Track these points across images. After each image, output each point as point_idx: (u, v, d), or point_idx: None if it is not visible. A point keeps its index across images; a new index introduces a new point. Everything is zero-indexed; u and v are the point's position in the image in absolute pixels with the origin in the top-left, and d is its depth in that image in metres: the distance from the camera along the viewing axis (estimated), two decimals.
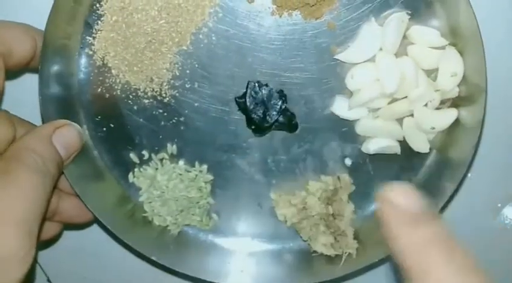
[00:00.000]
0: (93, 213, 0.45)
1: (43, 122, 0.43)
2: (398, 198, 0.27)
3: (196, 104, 0.46)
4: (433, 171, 0.46)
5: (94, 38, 0.43)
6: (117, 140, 0.47)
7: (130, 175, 0.48)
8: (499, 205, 0.50)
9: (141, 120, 0.46)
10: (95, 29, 0.43)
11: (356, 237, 0.47)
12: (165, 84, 0.45)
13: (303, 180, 0.48)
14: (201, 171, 0.48)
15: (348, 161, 0.47)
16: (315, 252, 0.47)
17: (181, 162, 0.48)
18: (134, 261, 0.50)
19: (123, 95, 0.46)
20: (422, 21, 0.43)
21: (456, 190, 0.44)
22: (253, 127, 0.45)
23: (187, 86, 0.45)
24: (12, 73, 0.45)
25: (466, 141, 0.43)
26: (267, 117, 0.45)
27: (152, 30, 0.42)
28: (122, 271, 0.52)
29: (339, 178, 0.47)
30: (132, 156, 0.47)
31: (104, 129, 0.47)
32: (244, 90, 0.44)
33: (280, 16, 0.43)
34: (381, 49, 0.43)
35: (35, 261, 0.35)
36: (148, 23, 0.41)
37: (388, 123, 0.44)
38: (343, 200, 0.47)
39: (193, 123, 0.46)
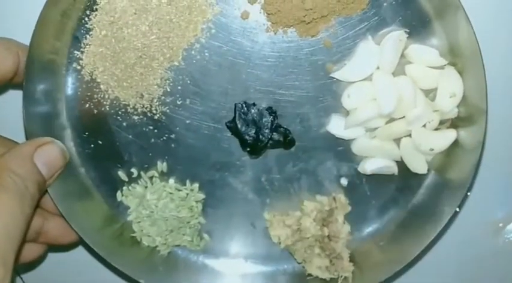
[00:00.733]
0: (78, 233, 0.43)
1: (27, 140, 0.42)
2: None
3: (187, 121, 0.45)
4: (432, 192, 0.45)
5: (82, 52, 0.42)
6: (106, 157, 0.45)
7: (119, 193, 0.46)
8: (500, 225, 0.50)
9: (130, 136, 0.45)
10: (83, 43, 0.42)
11: (352, 259, 0.46)
12: (155, 100, 0.44)
13: (298, 200, 0.46)
14: (192, 190, 0.46)
15: (344, 181, 0.46)
16: (309, 275, 0.46)
17: (171, 181, 0.46)
18: None
19: (112, 111, 0.44)
20: (420, 40, 0.42)
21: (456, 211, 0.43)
22: (248, 149, 0.44)
23: (178, 102, 0.44)
24: None
25: (466, 162, 0.42)
26: (260, 137, 0.44)
27: (143, 46, 0.40)
28: None
29: (334, 198, 0.46)
30: (121, 173, 0.46)
31: (92, 145, 0.45)
32: (234, 113, 0.43)
33: (275, 33, 0.42)
34: (378, 68, 0.42)
35: None
36: (138, 38, 0.40)
37: (385, 143, 0.43)
38: (339, 221, 0.46)
39: (184, 140, 0.45)
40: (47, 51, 0.41)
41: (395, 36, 0.41)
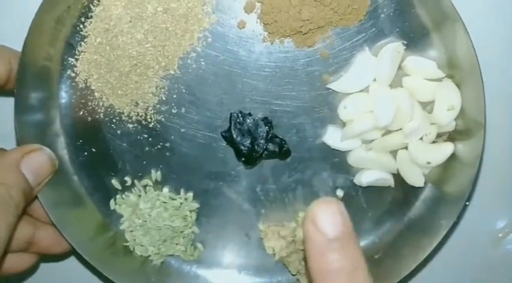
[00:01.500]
0: (70, 242, 0.42)
1: None
2: (321, 218, 0.26)
3: (182, 130, 0.44)
4: (429, 205, 0.44)
5: (77, 59, 0.42)
6: (99, 165, 0.45)
7: (112, 202, 0.46)
8: (500, 235, 0.49)
9: (124, 145, 0.45)
10: (78, 51, 0.42)
11: None
12: (150, 108, 0.43)
13: (293, 211, 0.46)
14: (186, 199, 0.46)
15: (340, 192, 0.45)
16: None
17: (165, 189, 0.46)
18: None
19: (106, 119, 0.44)
20: (418, 52, 0.41)
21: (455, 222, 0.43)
22: (243, 159, 0.44)
23: (173, 111, 0.44)
24: None
25: (464, 176, 0.41)
26: (256, 147, 0.43)
27: (138, 54, 0.40)
28: None
29: None
30: (114, 182, 0.45)
31: (85, 153, 0.45)
32: (229, 123, 0.43)
33: (272, 43, 0.41)
34: (374, 80, 0.42)
35: None
36: (133, 46, 0.40)
37: (381, 155, 0.43)
38: None
39: (179, 149, 0.44)
40: (40, 57, 0.41)
41: (392, 47, 0.41)
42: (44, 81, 0.42)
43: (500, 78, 0.44)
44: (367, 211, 0.46)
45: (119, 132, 0.44)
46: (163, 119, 0.44)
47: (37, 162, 0.38)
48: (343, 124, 0.43)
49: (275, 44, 0.41)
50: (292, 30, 0.39)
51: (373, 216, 0.46)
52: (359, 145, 0.43)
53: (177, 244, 0.46)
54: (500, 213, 0.49)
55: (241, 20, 0.41)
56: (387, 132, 0.42)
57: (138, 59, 0.40)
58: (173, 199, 0.46)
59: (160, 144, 0.44)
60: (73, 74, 0.42)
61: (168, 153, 0.45)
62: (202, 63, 0.42)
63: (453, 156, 0.42)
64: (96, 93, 0.43)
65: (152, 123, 0.44)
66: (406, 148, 0.42)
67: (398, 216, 0.45)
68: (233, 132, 0.43)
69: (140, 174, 0.45)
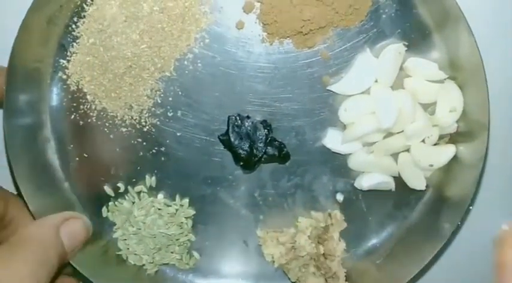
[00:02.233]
0: None
1: (7, 154, 0.40)
2: None
3: (178, 134, 0.43)
4: (431, 209, 0.44)
5: (68, 61, 0.40)
6: (91, 171, 0.43)
7: (104, 209, 0.44)
8: None
9: (117, 149, 0.43)
10: (70, 52, 0.40)
11: (348, 278, 0.44)
12: (145, 111, 0.42)
13: (292, 216, 0.45)
14: (182, 206, 0.44)
15: (340, 197, 0.45)
16: None
17: (160, 196, 0.44)
18: None
19: (99, 123, 0.42)
20: (420, 53, 0.41)
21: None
22: (241, 163, 0.43)
23: (169, 114, 0.42)
24: None
25: (466, 179, 0.41)
26: (254, 151, 0.42)
27: (133, 55, 0.39)
28: None
29: (330, 214, 0.45)
30: (107, 188, 0.44)
31: (77, 159, 0.43)
32: (227, 126, 0.42)
33: (271, 44, 0.41)
34: (376, 81, 0.41)
35: None
36: (128, 47, 0.38)
37: (382, 159, 0.42)
38: (335, 238, 0.44)
39: (175, 153, 0.43)
40: (30, 58, 0.39)
41: (394, 49, 0.40)
42: (34, 84, 0.41)
43: (503, 79, 0.44)
44: (368, 215, 0.45)
45: (111, 136, 0.43)
46: (158, 123, 0.42)
47: (74, 229, 0.40)
48: (344, 127, 0.42)
49: (274, 44, 0.41)
50: (293, 31, 0.38)
51: (373, 220, 0.45)
52: (360, 149, 0.42)
53: (172, 252, 0.45)
54: (504, 216, 0.48)
55: (240, 21, 0.40)
56: (389, 134, 0.41)
57: (133, 61, 0.39)
58: (168, 205, 0.44)
59: (155, 148, 0.43)
60: (64, 76, 0.41)
61: (163, 158, 0.43)
62: (199, 64, 0.41)
63: (455, 159, 0.41)
64: (88, 96, 0.41)
65: (147, 127, 0.42)
66: (407, 151, 0.42)
67: (399, 220, 0.45)
68: (231, 135, 0.42)
69: (134, 180, 0.44)
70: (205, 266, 0.45)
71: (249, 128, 0.42)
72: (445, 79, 0.41)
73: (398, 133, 0.41)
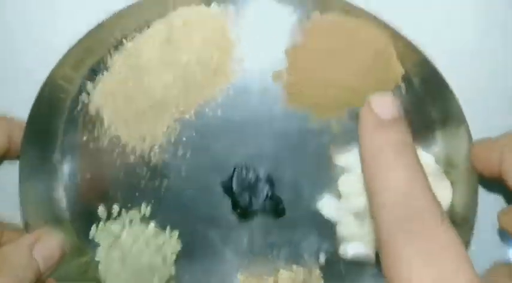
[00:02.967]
0: None
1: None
2: (375, 104, 0.31)
3: (183, 172, 0.44)
4: None
5: (95, 87, 0.41)
6: (89, 190, 0.44)
7: (93, 228, 0.44)
8: None
9: (121, 174, 0.44)
10: (98, 78, 0.41)
11: None
12: (156, 147, 0.43)
13: (274, 267, 0.46)
14: (171, 237, 0.45)
15: (322, 258, 0.47)
16: None
17: (151, 225, 0.45)
18: None
19: (109, 148, 0.43)
20: (418, 143, 0.44)
21: None
22: (238, 211, 0.44)
23: (179, 153, 0.44)
24: None
25: None
26: (253, 203, 0.44)
27: (161, 96, 0.40)
28: None
29: (310, 272, 0.47)
30: (101, 210, 0.44)
31: (79, 177, 0.43)
32: (231, 174, 0.44)
33: (291, 108, 0.43)
34: None
35: None
36: (158, 88, 0.40)
37: (371, 233, 0.45)
38: None
39: (175, 189, 0.44)
40: (58, 77, 0.40)
41: None
42: (55, 101, 0.41)
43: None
44: (345, 279, 0.47)
45: (118, 161, 0.43)
46: (166, 158, 0.44)
47: (48, 248, 0.40)
48: (339, 195, 0.45)
49: (293, 109, 0.43)
50: (313, 104, 0.41)
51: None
52: (351, 220, 0.45)
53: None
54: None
55: (265, 87, 0.42)
56: None
57: (159, 101, 0.40)
58: (157, 237, 0.45)
59: (158, 180, 0.44)
60: (86, 101, 0.42)
61: (163, 190, 0.44)
62: (219, 113, 0.43)
63: None
64: (105, 122, 0.42)
65: (154, 160, 0.43)
66: None
67: None
68: (234, 184, 0.44)
69: (129, 204, 0.44)
70: None
71: (252, 180, 0.44)
72: (439, 173, 0.44)
73: None
